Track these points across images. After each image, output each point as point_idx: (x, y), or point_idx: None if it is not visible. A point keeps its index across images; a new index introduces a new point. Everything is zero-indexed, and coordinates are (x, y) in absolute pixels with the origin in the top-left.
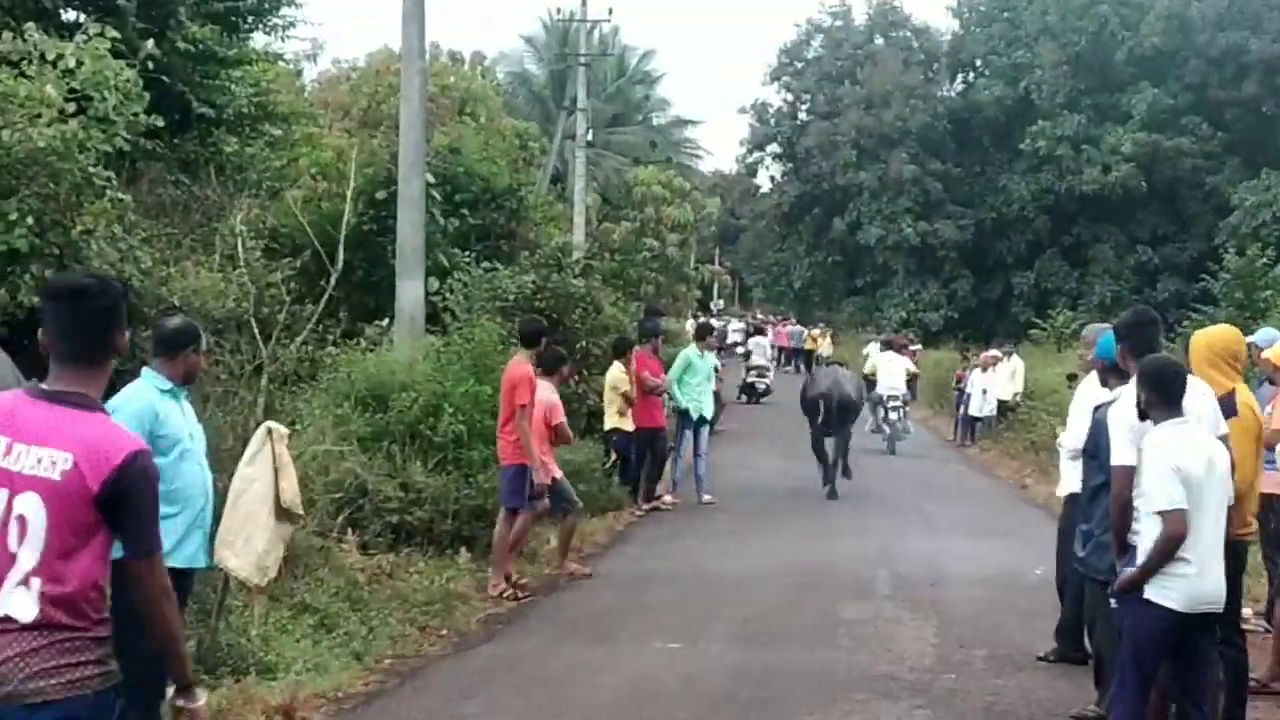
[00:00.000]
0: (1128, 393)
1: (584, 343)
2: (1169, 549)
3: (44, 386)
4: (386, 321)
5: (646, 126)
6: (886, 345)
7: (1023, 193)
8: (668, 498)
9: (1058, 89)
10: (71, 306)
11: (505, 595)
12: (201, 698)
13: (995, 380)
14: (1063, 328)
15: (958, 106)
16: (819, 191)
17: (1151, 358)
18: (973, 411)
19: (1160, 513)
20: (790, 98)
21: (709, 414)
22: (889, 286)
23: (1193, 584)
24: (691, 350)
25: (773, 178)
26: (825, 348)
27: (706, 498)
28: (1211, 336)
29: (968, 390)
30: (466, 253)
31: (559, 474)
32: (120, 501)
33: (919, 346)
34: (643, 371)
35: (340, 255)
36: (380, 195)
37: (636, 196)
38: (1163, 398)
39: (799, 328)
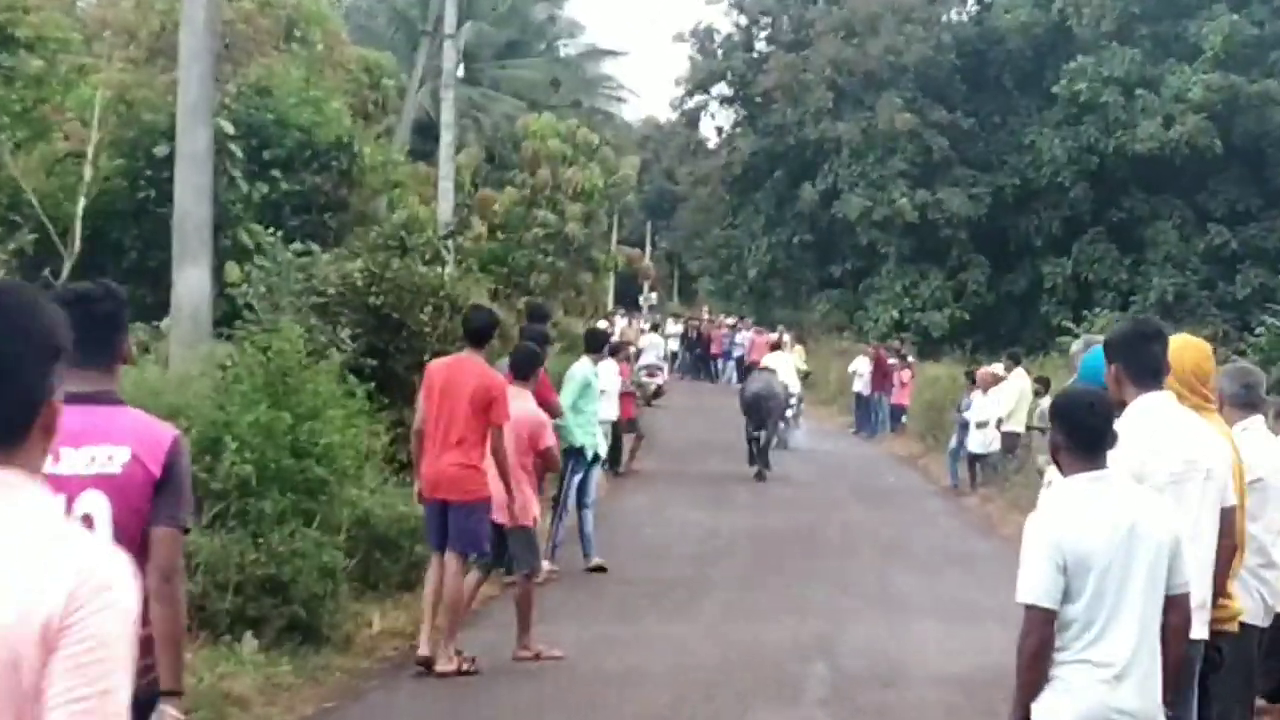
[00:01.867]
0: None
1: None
2: (1026, 659)
3: (66, 390)
4: (166, 321)
5: (550, 59)
6: (775, 346)
7: (1056, 152)
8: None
9: (1104, 13)
10: (78, 312)
11: (465, 669)
12: (179, 714)
13: (998, 405)
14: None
15: (970, 35)
16: (782, 148)
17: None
18: (973, 447)
19: (1023, 606)
20: (744, 21)
21: (604, 451)
22: (876, 277)
23: (1100, 693)
24: (587, 366)
25: (720, 129)
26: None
27: (595, 561)
28: (1184, 350)
29: (965, 417)
30: (271, 230)
31: (539, 516)
32: (169, 479)
33: (913, 359)
34: (551, 397)
35: (78, 231)
36: (162, 151)
37: (526, 153)
38: (1074, 442)
39: (768, 336)
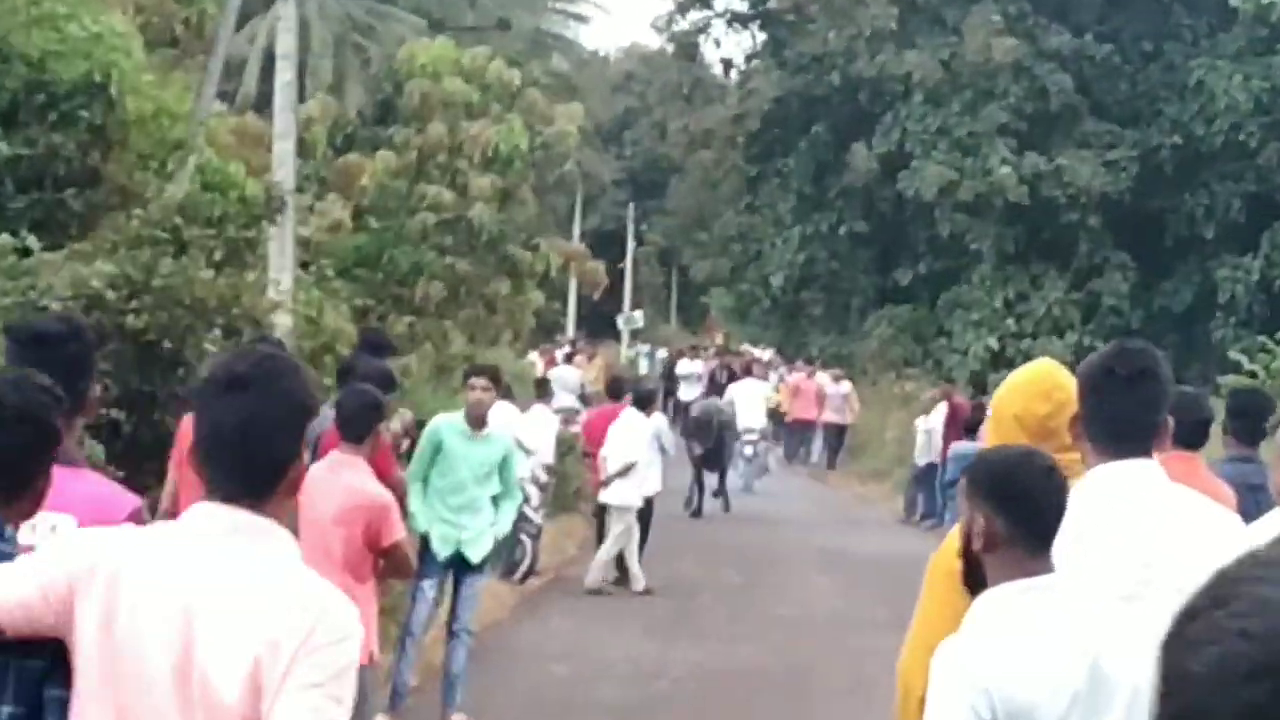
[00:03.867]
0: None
1: None
2: None
3: None
4: None
5: None
6: (746, 370)
7: (1237, 96)
8: None
9: None
10: (36, 354)
11: None
12: None
13: None
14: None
15: None
16: (822, 90)
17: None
18: None
19: None
20: None
21: (476, 554)
22: (964, 286)
23: None
24: (449, 421)
25: (728, 63)
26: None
27: (457, 718)
28: (1010, 384)
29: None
30: None
31: (377, 653)
32: None
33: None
34: (392, 470)
35: None
36: None
37: (411, 99)
38: (1022, 529)
39: (841, 386)
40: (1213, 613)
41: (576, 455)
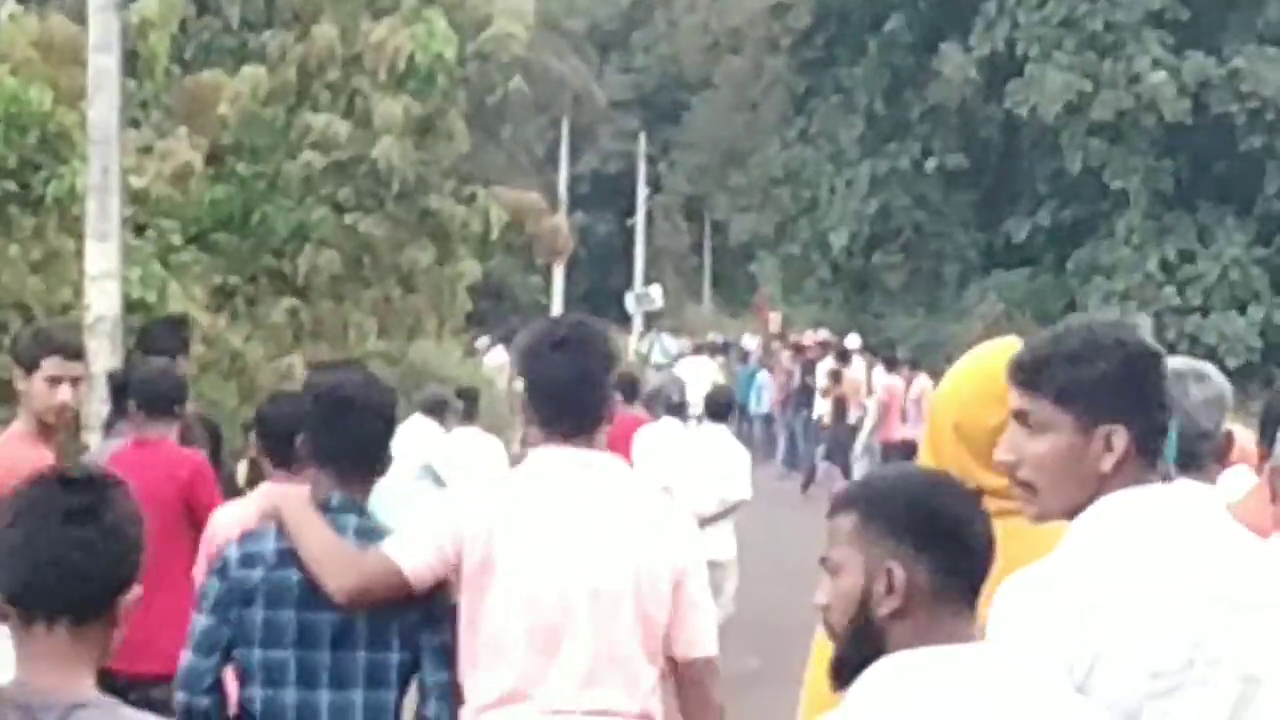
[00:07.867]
0: None
1: None
2: None
3: None
4: None
5: None
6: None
7: None
8: None
9: None
10: None
11: None
12: None
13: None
14: None
15: None
16: None
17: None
18: None
19: None
20: None
21: None
22: (1104, 240)
23: None
24: None
25: None
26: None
27: None
28: (951, 380)
29: None
30: None
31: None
32: None
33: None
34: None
35: None
36: None
37: None
38: (944, 575)
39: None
40: None
41: None
